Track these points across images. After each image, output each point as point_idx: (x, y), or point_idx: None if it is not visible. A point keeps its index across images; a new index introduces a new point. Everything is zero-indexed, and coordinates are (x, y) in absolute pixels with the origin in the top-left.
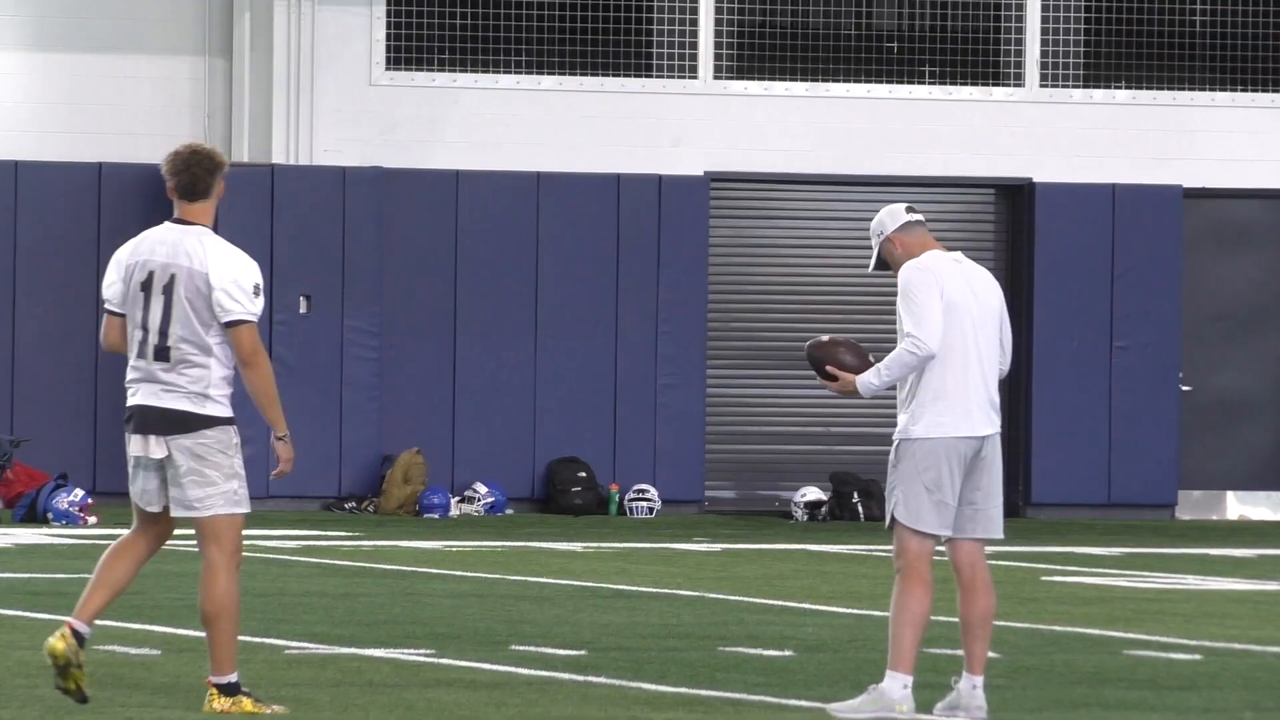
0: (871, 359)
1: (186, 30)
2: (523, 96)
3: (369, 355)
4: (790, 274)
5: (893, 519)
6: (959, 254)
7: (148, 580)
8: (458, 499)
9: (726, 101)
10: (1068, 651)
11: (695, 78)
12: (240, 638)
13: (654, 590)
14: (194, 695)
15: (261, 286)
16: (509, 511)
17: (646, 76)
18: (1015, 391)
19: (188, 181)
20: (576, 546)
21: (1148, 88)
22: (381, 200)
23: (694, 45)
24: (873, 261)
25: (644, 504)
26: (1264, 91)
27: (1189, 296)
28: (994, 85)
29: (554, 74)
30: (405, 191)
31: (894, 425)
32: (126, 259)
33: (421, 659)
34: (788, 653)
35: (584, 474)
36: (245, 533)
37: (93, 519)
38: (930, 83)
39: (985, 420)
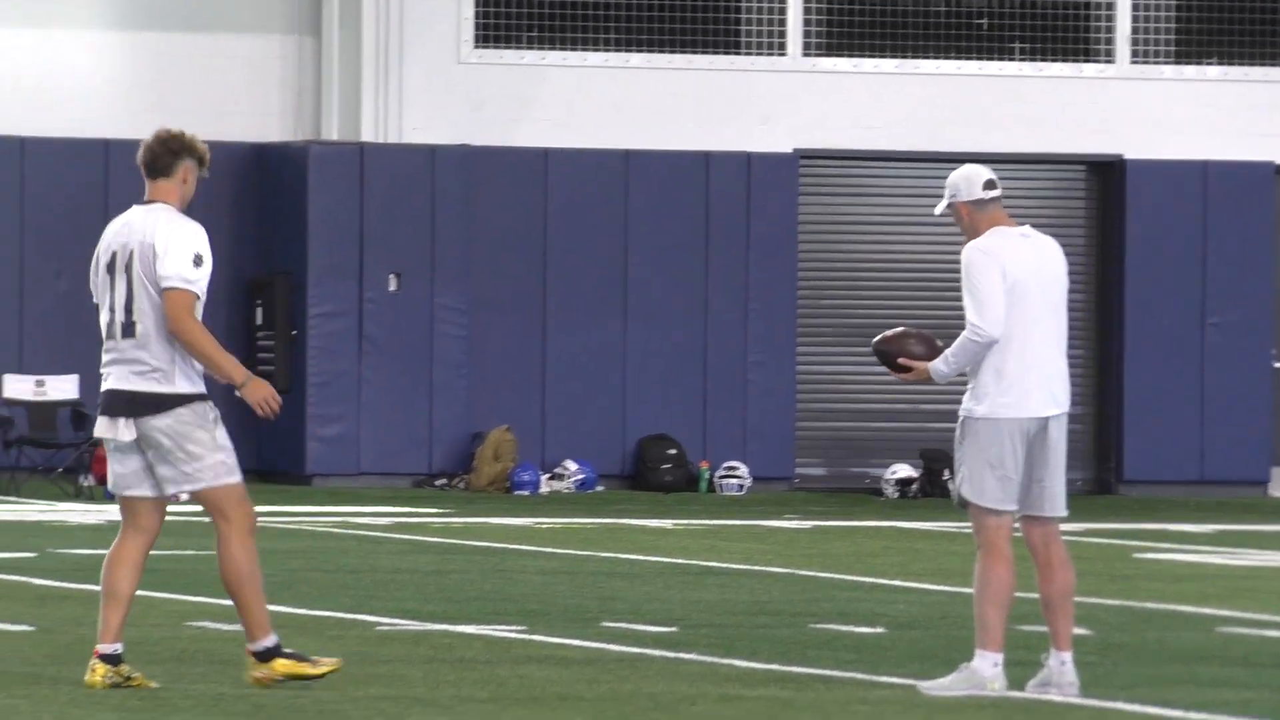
0: (939, 344)
1: (276, 9)
2: (611, 74)
3: (459, 332)
4: (880, 251)
5: (958, 497)
6: (1026, 228)
7: None
8: (548, 476)
9: (816, 78)
10: (1160, 629)
11: (784, 55)
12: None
13: (744, 567)
14: None
15: (205, 257)
16: (599, 488)
17: (735, 54)
18: (1106, 369)
19: (148, 159)
20: (667, 523)
21: (1239, 63)
22: (470, 178)
23: (783, 22)
24: (940, 207)
25: (734, 481)
26: None
27: None
28: (1084, 61)
29: (642, 51)
30: (493, 169)
31: None
32: (100, 246)
33: (512, 635)
34: (879, 630)
35: (674, 451)
36: (337, 509)
37: (184, 495)
38: (1020, 59)
39: (1048, 400)
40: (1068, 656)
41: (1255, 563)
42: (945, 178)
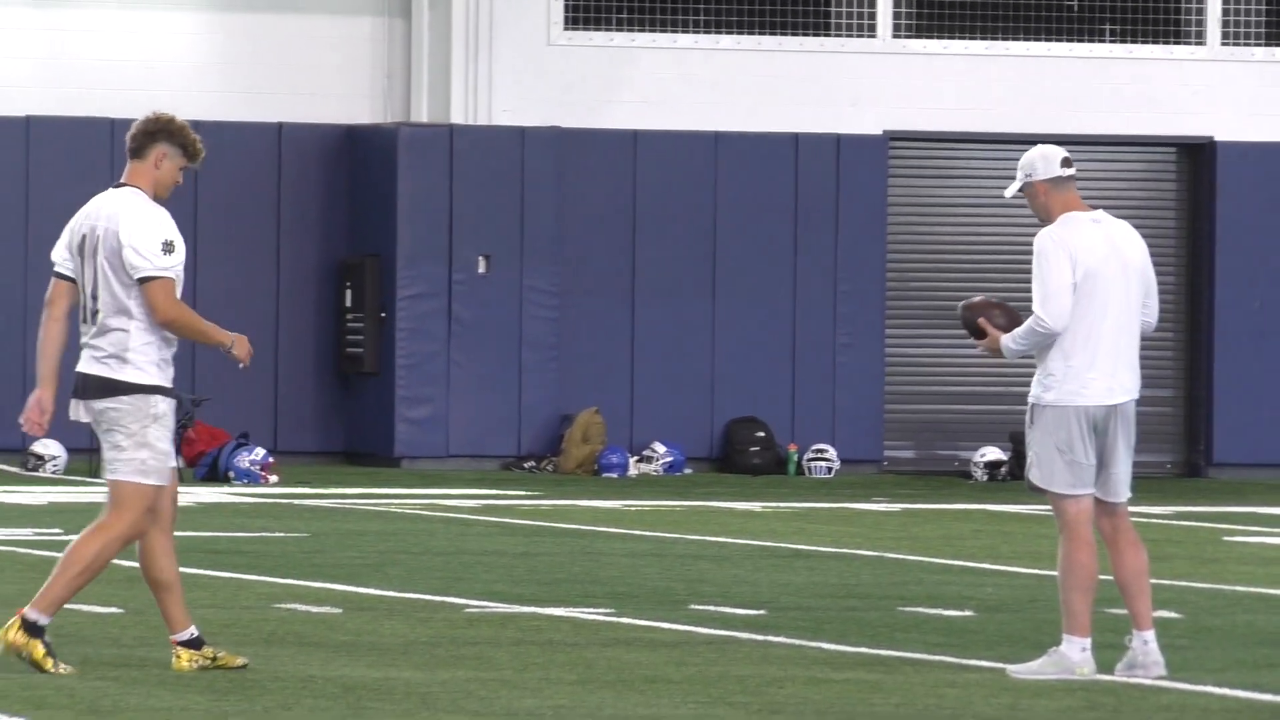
0: (1022, 317)
1: None
2: (701, 56)
3: (548, 315)
4: (969, 233)
5: (1029, 481)
6: (1099, 212)
7: (328, 539)
8: (636, 458)
9: (905, 60)
10: (1250, 612)
11: (874, 36)
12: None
13: (833, 550)
14: (375, 654)
15: (176, 244)
16: (687, 471)
17: (825, 35)
18: (1196, 352)
19: (127, 140)
20: (755, 506)
21: None
22: (560, 160)
23: (873, 4)
24: (1012, 189)
25: (822, 464)
26: None
27: None
28: (1175, 43)
29: (732, 33)
30: (583, 151)
31: None
32: (73, 223)
33: (601, 618)
34: (968, 613)
35: (762, 434)
36: (425, 491)
37: (274, 478)
38: (1111, 40)
39: (1117, 389)
40: (1150, 636)
41: None
42: None
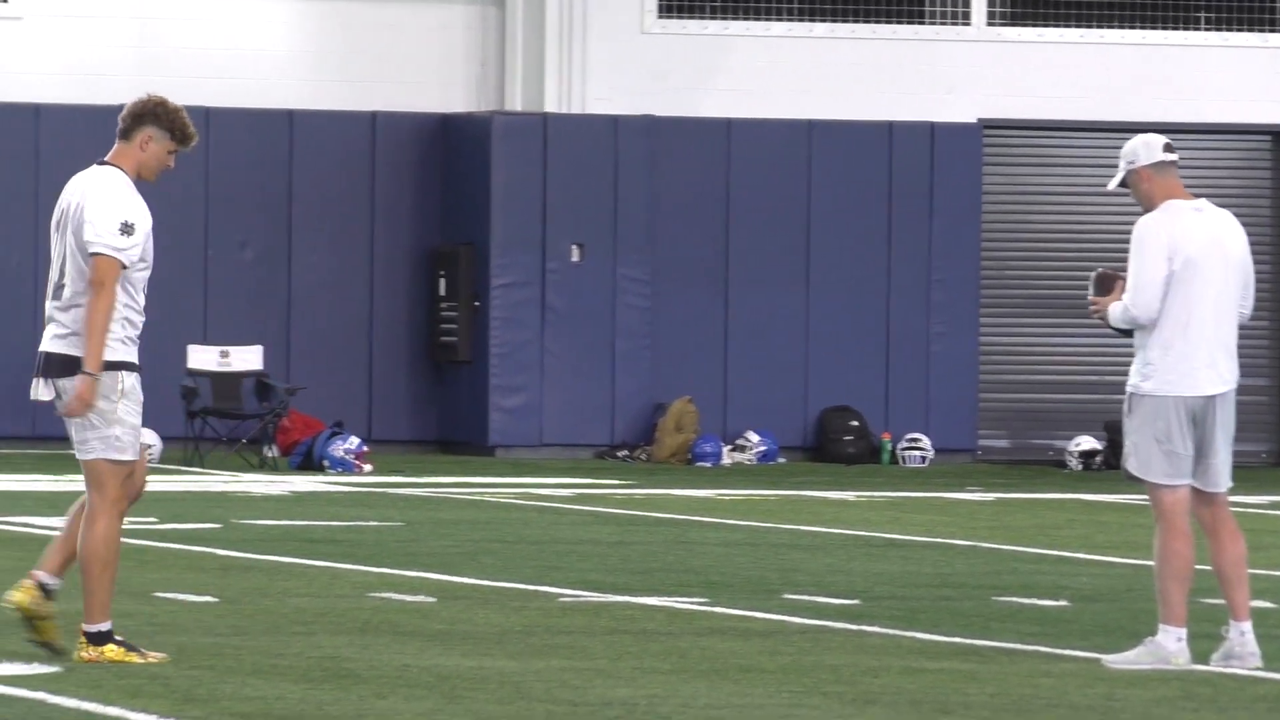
0: None
1: None
2: (794, 44)
3: (641, 303)
4: (1064, 221)
5: (1125, 471)
6: (1201, 201)
7: (422, 528)
8: (730, 447)
9: (1000, 48)
10: None
11: (969, 24)
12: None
13: (927, 539)
14: (470, 642)
15: (137, 227)
16: (781, 460)
17: (919, 23)
18: None
19: (118, 122)
20: (849, 495)
21: None
22: (653, 148)
23: None
24: (1115, 180)
25: (916, 453)
26: None
27: None
28: (1270, 31)
29: (825, 21)
30: (676, 139)
31: None
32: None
33: (694, 607)
34: (1062, 603)
35: (856, 423)
36: (519, 480)
37: (368, 466)
38: (1206, 28)
39: (1215, 379)
40: (1247, 627)
41: None
42: None
